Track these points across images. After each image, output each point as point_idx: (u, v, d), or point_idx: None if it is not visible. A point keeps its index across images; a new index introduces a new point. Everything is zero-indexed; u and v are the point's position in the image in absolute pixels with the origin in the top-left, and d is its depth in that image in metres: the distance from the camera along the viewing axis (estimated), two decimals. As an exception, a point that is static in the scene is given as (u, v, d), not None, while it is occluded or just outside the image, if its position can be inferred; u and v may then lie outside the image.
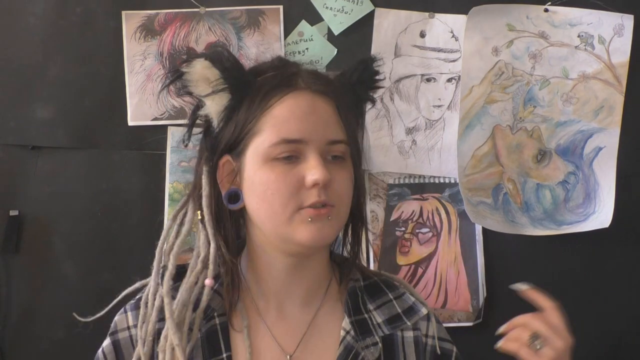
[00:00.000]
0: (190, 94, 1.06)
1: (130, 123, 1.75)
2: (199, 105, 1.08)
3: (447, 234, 1.76)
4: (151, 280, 1.10)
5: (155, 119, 1.75)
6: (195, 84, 1.05)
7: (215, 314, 1.08)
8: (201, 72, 1.04)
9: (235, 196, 1.06)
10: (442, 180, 1.77)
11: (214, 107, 1.05)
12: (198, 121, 1.11)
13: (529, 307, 1.77)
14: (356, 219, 1.13)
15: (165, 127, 1.75)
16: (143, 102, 1.75)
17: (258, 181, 1.02)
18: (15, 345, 1.74)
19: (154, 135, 1.75)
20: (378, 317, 1.11)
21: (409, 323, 1.11)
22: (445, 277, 1.76)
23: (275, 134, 1.01)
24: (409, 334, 1.12)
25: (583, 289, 1.76)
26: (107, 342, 1.12)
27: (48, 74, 1.75)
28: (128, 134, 1.75)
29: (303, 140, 1.00)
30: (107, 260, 1.75)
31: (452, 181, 1.76)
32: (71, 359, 1.75)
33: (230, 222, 1.09)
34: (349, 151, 1.05)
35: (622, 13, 1.71)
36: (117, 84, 1.74)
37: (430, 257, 1.76)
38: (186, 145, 1.13)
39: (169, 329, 1.03)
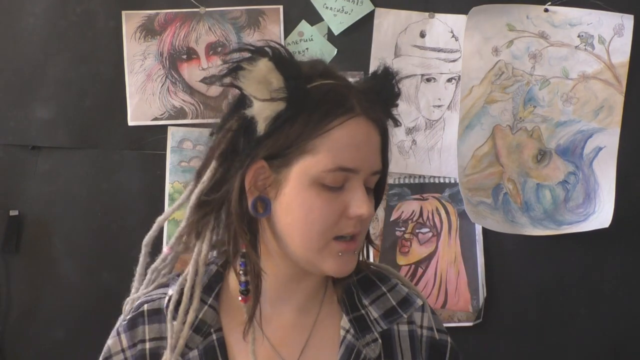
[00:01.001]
0: (237, 87, 0.99)
1: (130, 123, 1.75)
2: (243, 102, 1.00)
3: (447, 234, 1.76)
4: (182, 289, 1.05)
5: (155, 119, 1.75)
6: (252, 83, 0.97)
7: (212, 330, 1.05)
8: (264, 74, 0.97)
9: (261, 204, 1.01)
10: (442, 180, 1.77)
11: (265, 112, 0.98)
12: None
13: (528, 307, 1.77)
14: None
15: (165, 127, 1.75)
16: (143, 102, 1.75)
17: (301, 202, 0.98)
18: (15, 345, 1.75)
19: (154, 135, 1.75)
20: (374, 312, 1.09)
21: (404, 316, 1.09)
22: (445, 277, 1.76)
23: (332, 159, 0.97)
24: (404, 328, 1.10)
25: (583, 289, 1.76)
26: None
27: (48, 74, 1.75)
28: (128, 134, 1.75)
29: (355, 170, 0.98)
30: (107, 260, 1.75)
31: (452, 181, 1.76)
32: (71, 359, 1.75)
33: (260, 229, 1.04)
34: (381, 181, 1.05)
35: (622, 13, 1.71)
36: (117, 84, 1.75)
37: (430, 257, 1.76)
38: (212, 135, 1.05)
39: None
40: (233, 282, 1.07)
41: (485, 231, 1.75)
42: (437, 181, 1.77)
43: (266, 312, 1.07)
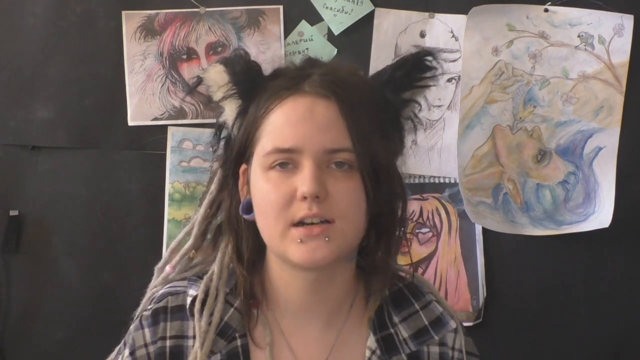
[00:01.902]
0: (211, 100, 1.05)
1: (130, 123, 1.75)
2: (221, 112, 1.05)
3: (447, 234, 1.76)
4: (208, 289, 1.03)
5: (155, 119, 1.75)
6: (211, 89, 1.03)
7: (237, 335, 1.02)
8: (213, 77, 1.02)
9: (251, 207, 1.01)
10: (442, 180, 1.77)
11: (228, 112, 1.03)
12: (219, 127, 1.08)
13: (528, 307, 1.77)
14: (383, 232, 1.03)
15: (165, 127, 1.75)
16: (143, 102, 1.75)
17: (256, 191, 0.97)
18: (15, 345, 1.75)
19: (154, 135, 1.75)
20: (404, 332, 1.04)
21: (436, 338, 1.05)
22: (445, 277, 1.76)
23: (270, 142, 0.95)
24: (435, 350, 1.06)
25: (583, 289, 1.76)
26: None
27: (48, 74, 1.75)
28: (128, 134, 1.75)
29: (296, 150, 0.94)
30: (107, 260, 1.75)
31: (452, 181, 1.76)
32: (71, 359, 1.75)
33: (247, 232, 1.03)
34: (356, 160, 0.95)
35: (622, 13, 1.71)
36: (117, 84, 1.74)
37: (430, 257, 1.76)
38: (215, 151, 1.08)
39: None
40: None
41: (485, 231, 1.75)
42: (437, 181, 1.77)
43: (290, 324, 1.04)
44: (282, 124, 0.95)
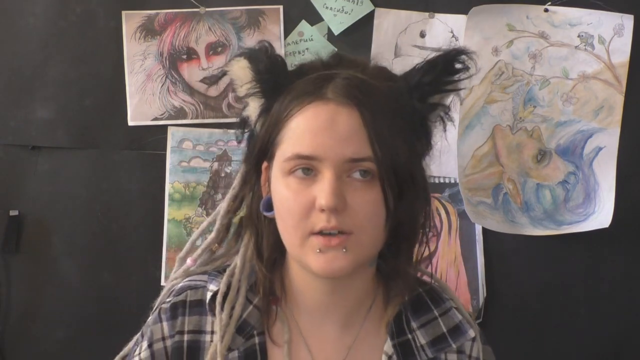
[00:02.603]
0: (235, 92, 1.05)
1: (130, 123, 1.75)
2: (245, 105, 1.04)
3: (447, 234, 1.76)
4: (231, 282, 1.03)
5: (155, 119, 1.75)
6: (235, 84, 1.02)
7: (255, 332, 1.02)
8: (237, 73, 1.00)
9: (271, 204, 1.00)
10: (442, 180, 1.77)
11: (252, 109, 1.02)
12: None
13: (528, 307, 1.77)
14: (404, 240, 1.04)
15: (165, 127, 1.75)
16: (143, 102, 1.75)
17: (276, 195, 0.97)
18: (15, 345, 1.75)
19: (154, 135, 1.75)
20: (422, 338, 1.04)
21: (454, 346, 1.05)
22: (445, 277, 1.76)
23: (290, 148, 0.94)
24: (453, 357, 1.06)
25: (583, 289, 1.76)
26: (145, 353, 1.03)
27: (48, 74, 1.75)
28: (128, 134, 1.75)
29: (316, 158, 0.92)
30: (107, 260, 1.75)
31: (452, 181, 1.76)
32: (71, 359, 1.75)
33: (268, 230, 1.03)
34: (377, 169, 0.93)
35: (622, 13, 1.71)
36: (117, 84, 1.74)
37: (430, 257, 1.76)
38: (240, 142, 1.07)
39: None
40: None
41: (485, 231, 1.75)
42: (437, 181, 1.77)
43: (308, 323, 1.04)
44: (303, 131, 0.94)
